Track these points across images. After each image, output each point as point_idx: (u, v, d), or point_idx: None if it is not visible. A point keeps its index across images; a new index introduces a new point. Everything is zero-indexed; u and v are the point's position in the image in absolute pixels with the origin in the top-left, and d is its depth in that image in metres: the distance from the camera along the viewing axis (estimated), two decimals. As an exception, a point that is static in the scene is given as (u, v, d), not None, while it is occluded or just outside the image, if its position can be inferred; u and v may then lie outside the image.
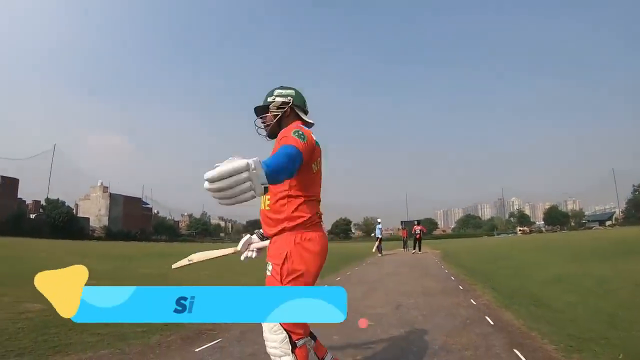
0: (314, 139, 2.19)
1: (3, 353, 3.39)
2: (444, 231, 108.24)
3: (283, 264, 2.13)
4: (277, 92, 2.40)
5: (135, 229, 69.23)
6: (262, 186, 1.47)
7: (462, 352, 3.54)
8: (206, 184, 1.37)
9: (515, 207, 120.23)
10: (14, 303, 5.33)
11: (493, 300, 5.97)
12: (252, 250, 2.60)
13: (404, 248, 25.35)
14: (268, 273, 2.20)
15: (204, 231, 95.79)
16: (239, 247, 2.58)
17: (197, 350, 3.69)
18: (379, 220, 22.24)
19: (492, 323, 4.52)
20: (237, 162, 1.37)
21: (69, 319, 4.14)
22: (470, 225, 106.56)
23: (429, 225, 69.43)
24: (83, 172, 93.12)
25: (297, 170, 1.95)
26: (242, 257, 2.62)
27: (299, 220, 2.16)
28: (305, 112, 2.45)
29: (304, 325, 2.22)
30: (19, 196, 66.05)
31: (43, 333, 4.01)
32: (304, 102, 2.44)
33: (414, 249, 21.31)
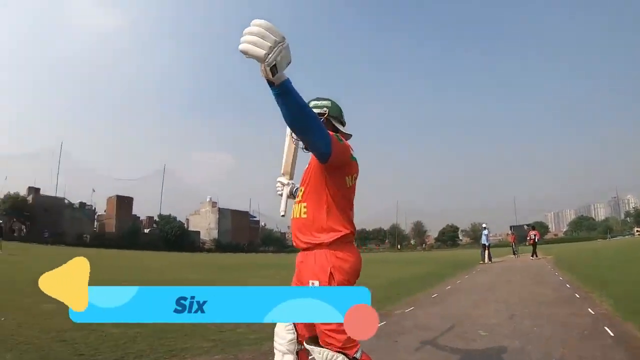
0: (351, 152, 2.11)
1: (122, 355, 3.69)
2: (555, 235, 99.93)
3: (330, 280, 1.98)
4: (312, 103, 2.29)
5: (244, 241, 72.77)
6: (271, 64, 1.46)
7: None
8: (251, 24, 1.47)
9: (631, 205, 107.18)
10: None
11: (612, 309, 5.61)
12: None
13: (513, 254, 23.98)
14: None
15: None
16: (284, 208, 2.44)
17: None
18: (484, 225, 21.08)
19: (612, 334, 4.29)
20: (278, 30, 1.47)
21: (184, 326, 4.62)
22: (583, 227, 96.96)
23: (540, 229, 64.97)
24: (192, 188, 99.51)
25: (323, 146, 1.87)
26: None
27: (338, 235, 2.06)
28: (343, 124, 2.35)
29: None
30: (133, 213, 73.06)
31: (160, 337, 4.31)
32: (341, 113, 2.34)
33: (532, 255, 20.60)
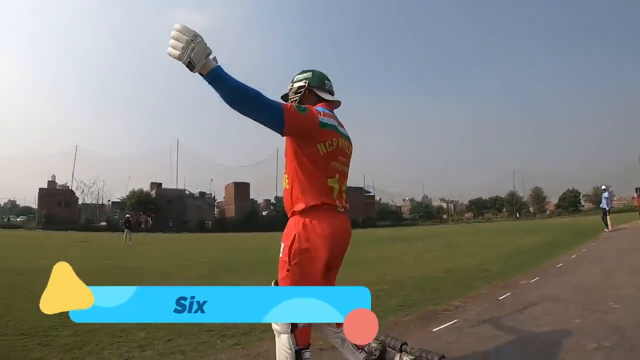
0: (322, 120, 2.15)
1: (250, 329, 3.55)
2: None
3: (292, 245, 2.09)
4: (296, 77, 2.42)
5: (361, 217, 73.65)
6: (186, 61, 1.74)
7: None
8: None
9: None
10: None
11: None
12: None
13: None
14: (280, 254, 2.15)
15: (426, 214, 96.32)
16: None
17: (434, 330, 3.74)
18: (603, 187, 19.11)
19: None
20: (190, 29, 1.76)
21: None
22: None
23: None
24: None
25: (272, 122, 1.98)
26: None
27: (303, 207, 2.12)
28: (330, 92, 2.41)
29: None
30: (251, 197, 76.92)
31: None
32: (323, 81, 2.39)
33: None
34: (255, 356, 3.17)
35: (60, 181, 66.92)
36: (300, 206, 2.14)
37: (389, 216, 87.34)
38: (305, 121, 2.09)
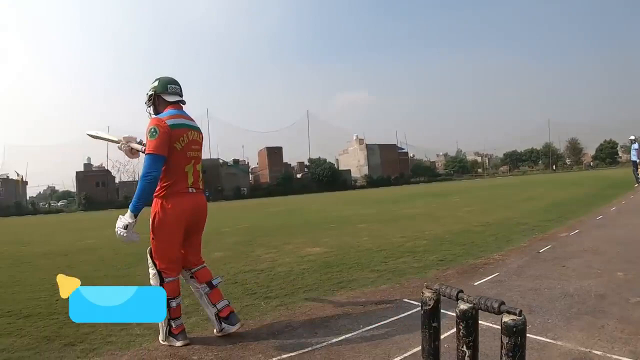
0: (169, 124, 2.75)
1: (292, 290, 4.03)
2: None
3: (153, 221, 2.80)
4: (149, 87, 3.00)
5: (395, 174, 73.34)
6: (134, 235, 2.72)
7: None
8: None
9: None
10: (296, 249, 6.40)
11: None
12: (127, 146, 3.17)
13: None
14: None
15: (461, 168, 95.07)
16: (121, 139, 3.21)
17: (476, 284, 3.79)
18: (632, 138, 17.66)
19: None
20: (122, 225, 2.67)
21: (349, 259, 4.93)
22: None
23: None
24: (337, 130, 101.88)
25: (162, 163, 2.72)
26: (118, 146, 3.25)
27: (163, 192, 2.78)
28: (176, 94, 2.97)
29: (174, 269, 2.84)
30: (284, 161, 77.16)
31: (326, 272, 4.64)
32: (166, 86, 2.95)
33: None
34: (298, 315, 3.28)
35: (95, 162, 68.82)
36: (159, 191, 2.77)
37: (424, 172, 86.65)
38: (163, 138, 2.71)
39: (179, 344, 2.74)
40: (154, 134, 2.70)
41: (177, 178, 2.80)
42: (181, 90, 3.02)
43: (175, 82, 2.99)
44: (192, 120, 3.00)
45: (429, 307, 1.38)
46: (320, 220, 11.24)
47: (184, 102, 3.01)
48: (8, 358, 2.72)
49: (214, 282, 2.99)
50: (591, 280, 3.63)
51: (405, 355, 2.37)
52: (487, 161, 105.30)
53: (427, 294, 1.37)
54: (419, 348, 1.67)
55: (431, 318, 1.46)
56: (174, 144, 2.76)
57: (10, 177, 63.84)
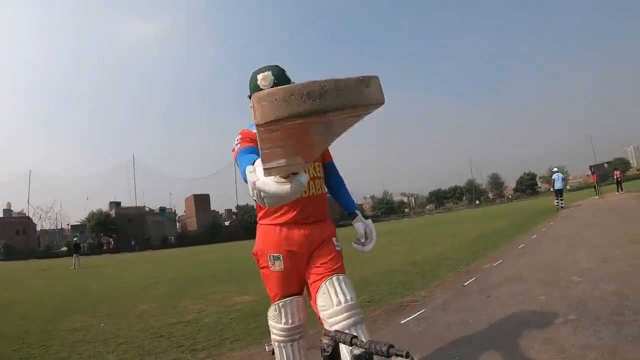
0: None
1: (219, 341, 3.88)
2: (638, 170, 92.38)
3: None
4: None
5: (322, 217, 74.03)
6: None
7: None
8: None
9: None
10: (224, 298, 6.18)
11: None
12: None
13: (596, 195, 22.95)
14: (338, 248, 2.31)
15: (388, 209, 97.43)
16: None
17: (402, 322, 3.76)
18: (554, 169, 19.84)
19: None
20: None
21: None
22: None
23: (621, 165, 60.87)
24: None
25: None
26: None
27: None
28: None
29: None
30: (212, 209, 75.75)
31: (254, 321, 4.48)
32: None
33: (617, 191, 21.63)
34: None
35: (16, 208, 64.12)
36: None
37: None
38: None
39: None
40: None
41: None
42: None
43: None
44: None
45: (328, 353, 1.41)
46: (249, 269, 10.96)
47: None
48: None
49: None
50: (515, 307, 3.72)
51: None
52: (413, 201, 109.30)
53: (325, 340, 1.40)
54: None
55: (331, 364, 1.47)
56: None
57: None
